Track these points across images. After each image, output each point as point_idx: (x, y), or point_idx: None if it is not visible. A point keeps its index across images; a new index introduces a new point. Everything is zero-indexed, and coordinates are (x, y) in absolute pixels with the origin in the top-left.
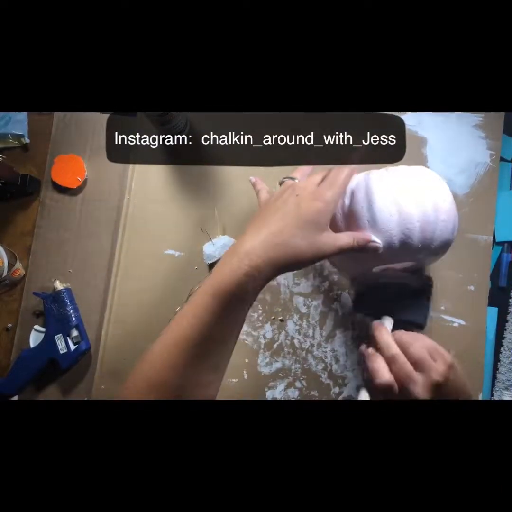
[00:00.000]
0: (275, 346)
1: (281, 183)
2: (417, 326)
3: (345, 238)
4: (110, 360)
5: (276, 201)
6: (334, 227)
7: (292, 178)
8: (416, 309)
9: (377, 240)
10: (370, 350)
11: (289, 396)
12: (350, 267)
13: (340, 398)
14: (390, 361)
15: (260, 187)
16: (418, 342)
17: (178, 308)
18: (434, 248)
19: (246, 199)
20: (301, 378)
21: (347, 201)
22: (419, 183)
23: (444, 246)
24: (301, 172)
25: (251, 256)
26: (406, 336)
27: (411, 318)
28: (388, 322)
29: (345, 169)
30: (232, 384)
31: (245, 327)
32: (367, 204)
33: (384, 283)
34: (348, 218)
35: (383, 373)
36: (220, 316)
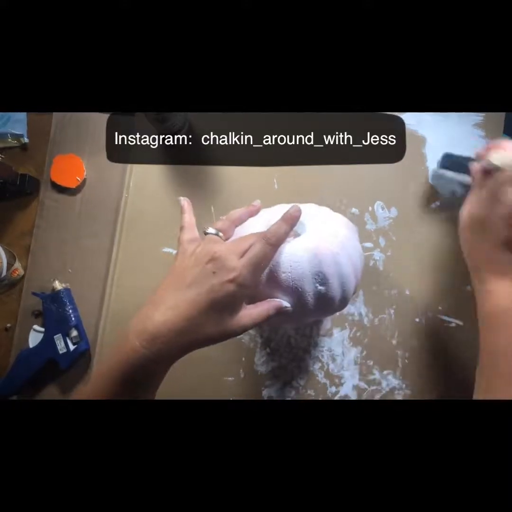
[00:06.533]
0: (272, 344)
1: (205, 233)
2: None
3: (254, 315)
4: None
5: (192, 269)
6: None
7: (217, 233)
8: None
9: (287, 304)
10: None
11: (285, 395)
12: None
13: (336, 398)
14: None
15: (188, 218)
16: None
17: None
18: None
19: (243, 198)
20: (298, 378)
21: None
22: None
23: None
24: (227, 223)
25: (156, 341)
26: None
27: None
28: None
29: (268, 247)
30: (228, 382)
31: None
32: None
33: None
34: (270, 281)
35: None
36: (123, 396)
